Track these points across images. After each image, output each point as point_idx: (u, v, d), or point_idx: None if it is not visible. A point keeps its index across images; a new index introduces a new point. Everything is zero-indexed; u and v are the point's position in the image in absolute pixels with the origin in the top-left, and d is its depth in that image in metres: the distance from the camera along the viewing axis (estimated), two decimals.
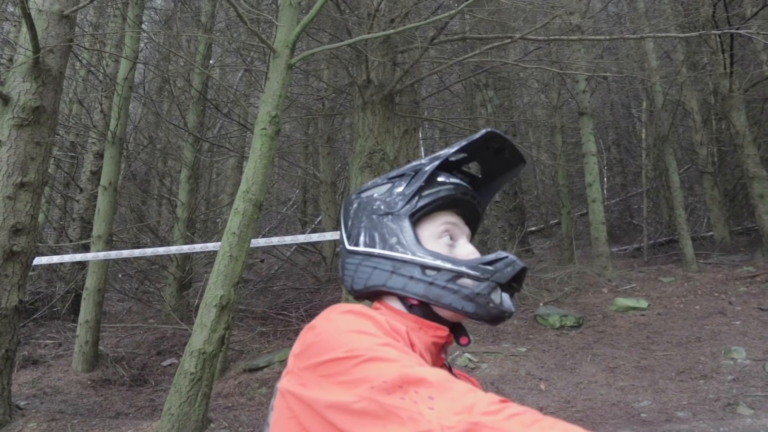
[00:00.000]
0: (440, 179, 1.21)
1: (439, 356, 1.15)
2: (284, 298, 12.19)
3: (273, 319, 10.78)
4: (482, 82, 13.81)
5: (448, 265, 1.11)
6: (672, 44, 14.41)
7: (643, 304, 9.83)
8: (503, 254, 1.14)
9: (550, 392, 6.76)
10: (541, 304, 10.11)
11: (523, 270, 1.14)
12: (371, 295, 1.21)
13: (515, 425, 0.74)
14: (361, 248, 1.19)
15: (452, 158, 1.23)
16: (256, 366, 8.35)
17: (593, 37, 9.65)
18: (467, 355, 7.80)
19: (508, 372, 7.44)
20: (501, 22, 9.19)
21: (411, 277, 1.12)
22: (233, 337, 9.40)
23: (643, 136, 15.96)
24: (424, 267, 1.12)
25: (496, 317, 1.11)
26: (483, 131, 1.20)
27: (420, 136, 12.08)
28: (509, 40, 7.69)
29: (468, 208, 1.26)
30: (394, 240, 1.16)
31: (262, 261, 15.13)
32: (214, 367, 5.55)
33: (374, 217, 1.20)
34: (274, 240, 8.62)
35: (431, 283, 1.10)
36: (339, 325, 0.96)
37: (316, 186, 16.47)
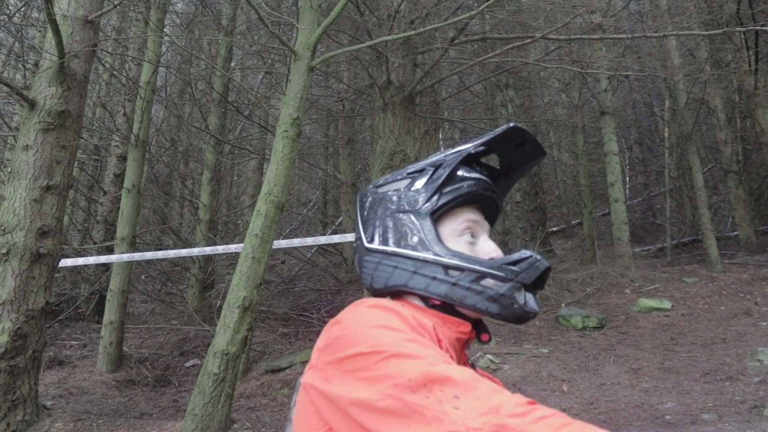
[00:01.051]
0: (460, 173, 1.19)
1: (462, 352, 1.14)
2: (305, 299, 12.24)
3: (294, 320, 10.83)
4: (503, 82, 13.76)
5: (472, 266, 1.09)
6: (695, 42, 14.25)
7: (667, 304, 9.73)
8: (527, 253, 1.12)
9: (573, 394, 6.71)
10: (563, 305, 10.05)
11: (547, 270, 1.13)
12: (392, 295, 1.18)
13: (543, 429, 0.72)
14: (380, 246, 1.17)
15: (472, 152, 1.20)
16: (278, 367, 8.39)
17: (615, 35, 9.59)
18: (489, 356, 7.77)
19: (530, 373, 7.40)
20: (521, 21, 9.16)
21: (434, 278, 1.10)
22: (255, 338, 9.45)
23: (666, 134, 15.81)
24: (447, 267, 1.10)
25: (521, 318, 1.10)
26: (505, 126, 1.18)
27: (440, 136, 12.05)
28: (530, 40, 7.66)
29: (488, 203, 1.24)
30: (415, 239, 1.13)
31: (282, 262, 15.20)
32: (237, 368, 5.59)
33: (394, 214, 1.18)
34: (296, 241, 8.66)
35: (455, 284, 1.09)
36: (364, 320, 0.95)
37: (337, 187, 16.52)
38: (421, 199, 1.16)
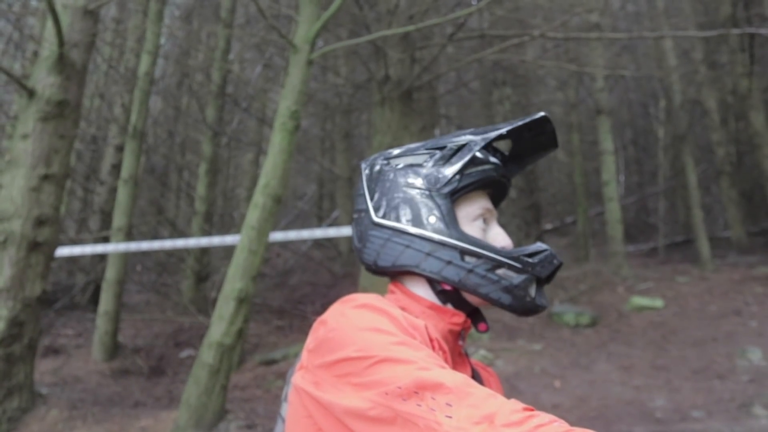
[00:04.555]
0: (480, 156, 1.12)
1: (456, 343, 1.11)
2: (300, 293, 12.28)
3: (289, 313, 10.87)
4: (500, 79, 13.79)
5: (490, 254, 1.05)
6: (691, 43, 14.30)
7: (659, 303, 9.80)
8: (543, 247, 1.09)
9: (565, 390, 6.77)
10: (556, 302, 10.11)
11: (559, 265, 1.11)
12: (395, 274, 1.14)
13: None
14: (392, 222, 1.10)
15: (503, 134, 1.13)
16: (272, 359, 8.43)
17: (612, 34, 9.63)
18: (482, 351, 7.82)
19: (522, 369, 7.46)
20: (520, 19, 9.19)
21: (449, 262, 1.05)
22: (250, 330, 9.48)
23: (661, 135, 15.87)
24: (463, 252, 1.05)
25: (530, 311, 1.08)
26: (539, 115, 1.12)
27: (437, 132, 12.08)
28: (528, 38, 7.70)
29: (498, 189, 1.19)
30: (432, 219, 1.07)
31: (278, 255, 15.22)
32: (232, 360, 5.62)
33: (409, 190, 1.10)
34: (292, 234, 8.68)
35: (470, 271, 1.05)
36: (353, 322, 0.92)
37: (333, 181, 16.53)
38: (443, 177, 1.09)
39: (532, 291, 1.07)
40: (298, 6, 6.60)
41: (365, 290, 7.32)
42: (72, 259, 11.31)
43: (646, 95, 20.68)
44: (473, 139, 1.12)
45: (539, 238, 14.68)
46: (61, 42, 5.78)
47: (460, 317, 1.10)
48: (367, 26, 8.86)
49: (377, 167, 1.17)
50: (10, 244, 5.55)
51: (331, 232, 9.13)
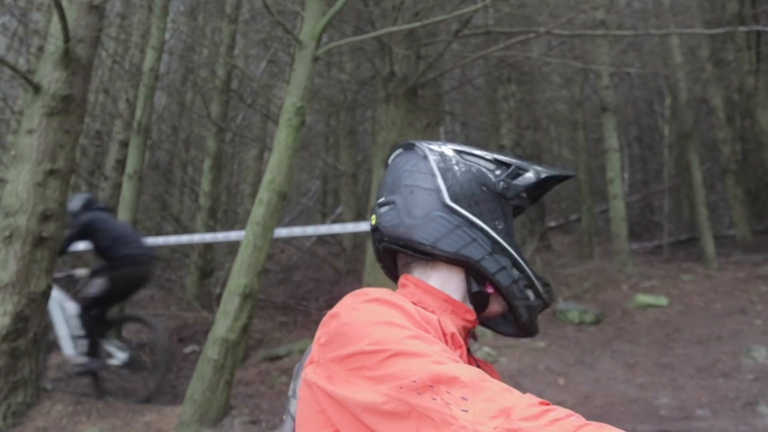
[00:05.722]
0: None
1: (465, 340, 1.12)
2: (304, 289, 12.28)
3: (293, 309, 10.87)
4: (505, 76, 13.76)
5: (529, 273, 1.12)
6: (697, 41, 14.24)
7: (663, 301, 9.78)
8: (549, 281, 1.18)
9: (569, 387, 6.77)
10: (560, 300, 10.10)
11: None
12: (451, 260, 1.12)
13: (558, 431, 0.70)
14: (467, 213, 1.11)
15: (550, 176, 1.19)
16: (276, 355, 8.44)
17: (618, 32, 9.60)
18: (486, 348, 7.82)
19: (526, 366, 7.45)
20: (525, 16, 9.16)
21: (503, 267, 1.09)
22: (253, 326, 9.48)
23: (666, 132, 15.83)
24: (514, 263, 1.11)
25: (531, 332, 1.17)
26: (570, 172, 1.23)
27: (442, 129, 12.07)
28: (534, 35, 7.68)
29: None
30: (500, 224, 1.12)
31: (282, 252, 15.23)
32: (237, 355, 5.63)
33: (484, 188, 1.13)
34: (296, 230, 8.69)
35: (515, 281, 1.10)
36: (365, 316, 0.92)
37: (337, 177, 16.52)
38: (512, 191, 1.14)
39: (536, 316, 1.16)
40: (303, 2, 6.58)
41: (369, 286, 7.32)
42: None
43: (651, 93, 20.61)
44: (536, 170, 1.17)
45: (543, 236, 14.67)
46: (66, 37, 5.78)
47: (472, 314, 1.12)
48: (372, 22, 8.84)
49: (449, 155, 1.17)
50: (15, 239, 5.56)
51: (336, 228, 9.14)
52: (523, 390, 0.78)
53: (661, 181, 17.33)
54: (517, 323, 1.14)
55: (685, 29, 10.46)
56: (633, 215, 18.48)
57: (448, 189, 1.12)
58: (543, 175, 1.16)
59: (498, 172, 1.15)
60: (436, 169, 1.14)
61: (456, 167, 1.14)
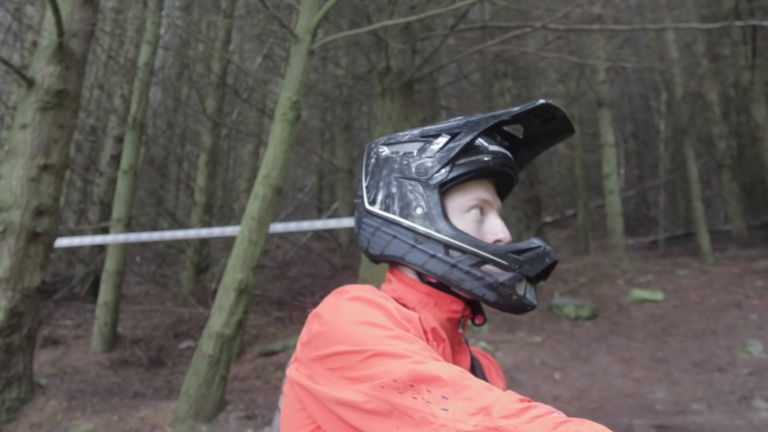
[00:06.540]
0: (478, 144, 1.10)
1: (455, 331, 1.10)
2: (300, 284, 12.28)
3: (288, 304, 10.86)
4: (501, 71, 13.74)
5: (475, 250, 1.02)
6: (693, 36, 14.24)
7: (659, 296, 9.80)
8: (536, 243, 1.06)
9: (565, 382, 6.78)
10: (556, 295, 10.11)
11: (554, 263, 1.07)
12: (388, 263, 1.13)
13: (538, 429, 0.70)
14: (382, 211, 1.09)
15: (492, 125, 1.08)
16: (271, 350, 8.43)
17: (614, 26, 9.57)
18: (482, 343, 7.82)
19: (522, 361, 7.46)
20: (521, 10, 9.14)
21: (432, 256, 1.04)
22: (249, 321, 9.48)
23: (662, 127, 15.84)
24: (448, 246, 1.03)
25: (518, 309, 1.05)
26: (538, 102, 1.05)
27: None
28: (530, 29, 7.66)
29: (503, 178, 1.15)
30: (419, 211, 1.06)
31: (277, 247, 15.21)
32: (232, 351, 5.61)
33: (400, 179, 1.09)
34: (291, 226, 8.66)
35: (453, 266, 1.03)
36: (346, 316, 0.91)
37: (333, 173, 16.51)
38: (432, 168, 1.07)
39: (520, 289, 1.04)
40: None
41: (365, 281, 7.31)
42: (71, 250, 11.30)
43: (647, 88, 20.64)
44: (465, 128, 1.08)
45: (539, 231, 14.67)
46: (60, 31, 5.74)
47: (458, 305, 1.08)
48: (368, 17, 8.81)
49: (374, 154, 1.16)
50: (9, 235, 5.53)
51: (331, 223, 9.12)
52: (520, 385, 0.77)
53: (657, 177, 17.37)
54: (489, 305, 1.05)
55: (681, 24, 10.44)
56: (629, 210, 18.51)
57: (368, 193, 1.13)
58: (473, 134, 1.07)
59: (419, 152, 1.10)
60: (363, 173, 1.16)
61: (378, 165, 1.14)
